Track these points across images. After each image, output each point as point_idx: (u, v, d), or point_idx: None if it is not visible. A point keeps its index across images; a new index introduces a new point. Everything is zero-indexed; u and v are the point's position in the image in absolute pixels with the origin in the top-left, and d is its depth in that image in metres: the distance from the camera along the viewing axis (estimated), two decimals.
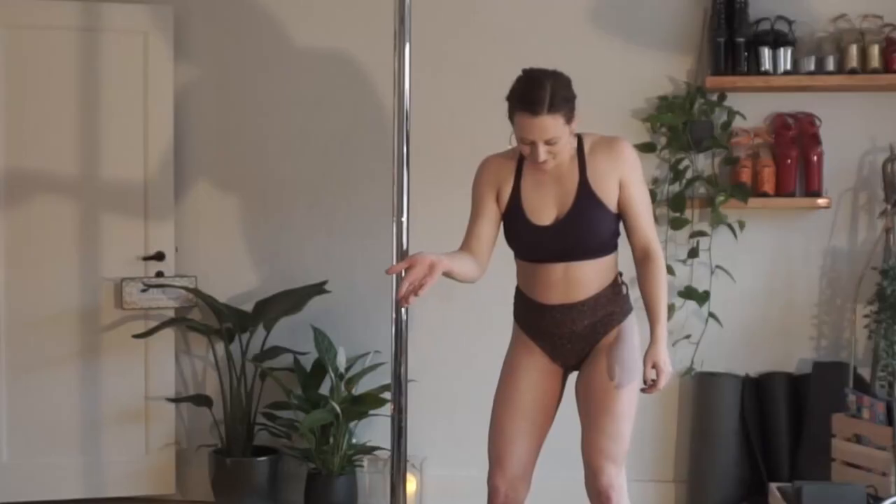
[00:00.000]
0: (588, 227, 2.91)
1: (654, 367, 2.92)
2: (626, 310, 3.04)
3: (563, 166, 2.94)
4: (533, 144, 2.86)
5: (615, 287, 3.02)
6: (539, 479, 3.17)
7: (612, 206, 2.93)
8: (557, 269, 2.95)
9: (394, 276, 3.22)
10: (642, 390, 2.97)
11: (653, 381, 2.94)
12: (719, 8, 4.32)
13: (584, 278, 2.95)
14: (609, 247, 2.98)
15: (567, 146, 2.91)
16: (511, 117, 2.90)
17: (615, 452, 2.92)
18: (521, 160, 3.00)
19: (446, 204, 4.07)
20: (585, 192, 2.91)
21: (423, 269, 2.78)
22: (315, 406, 4.38)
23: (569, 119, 2.87)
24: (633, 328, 3.05)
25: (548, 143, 2.85)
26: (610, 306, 3.00)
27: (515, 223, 2.99)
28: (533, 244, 2.98)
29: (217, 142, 4.78)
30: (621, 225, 3.00)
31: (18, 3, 4.52)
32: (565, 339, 3.00)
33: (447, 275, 2.87)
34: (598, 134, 3.02)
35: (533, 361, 3.06)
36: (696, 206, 4.42)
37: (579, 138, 2.98)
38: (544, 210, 2.95)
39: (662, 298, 2.96)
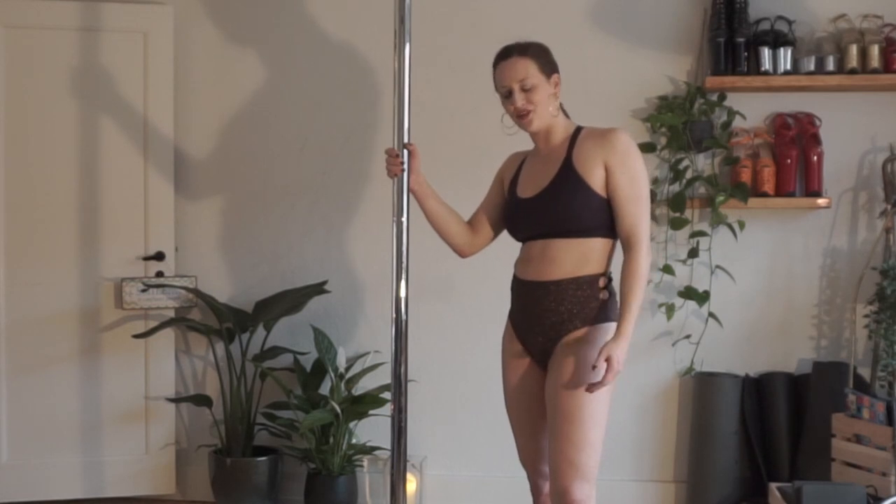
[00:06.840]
0: (565, 201, 2.89)
1: (607, 360, 2.74)
2: (602, 315, 2.89)
3: (555, 147, 2.99)
4: (511, 95, 2.94)
5: (593, 282, 2.90)
6: None
7: (597, 187, 2.88)
8: (537, 245, 2.96)
9: (393, 276, 3.22)
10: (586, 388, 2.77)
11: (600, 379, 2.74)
12: (719, 8, 4.32)
13: (558, 256, 2.90)
14: (590, 230, 2.89)
15: (549, 105, 2.95)
16: (496, 85, 3.01)
17: (583, 464, 2.78)
18: (532, 151, 3.10)
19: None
20: (567, 168, 2.92)
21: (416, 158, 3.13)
22: (315, 406, 4.39)
23: (544, 70, 2.95)
24: (607, 337, 2.85)
25: (523, 88, 2.93)
26: (582, 300, 2.88)
27: (508, 200, 3.10)
28: (515, 218, 3.04)
29: (217, 142, 4.77)
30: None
31: (18, 3, 4.51)
32: (534, 320, 2.94)
33: (423, 206, 3.14)
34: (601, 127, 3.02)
35: (513, 353, 3.06)
36: (696, 206, 4.42)
37: (579, 128, 3.02)
38: (529, 185, 3.01)
39: (633, 293, 2.80)
